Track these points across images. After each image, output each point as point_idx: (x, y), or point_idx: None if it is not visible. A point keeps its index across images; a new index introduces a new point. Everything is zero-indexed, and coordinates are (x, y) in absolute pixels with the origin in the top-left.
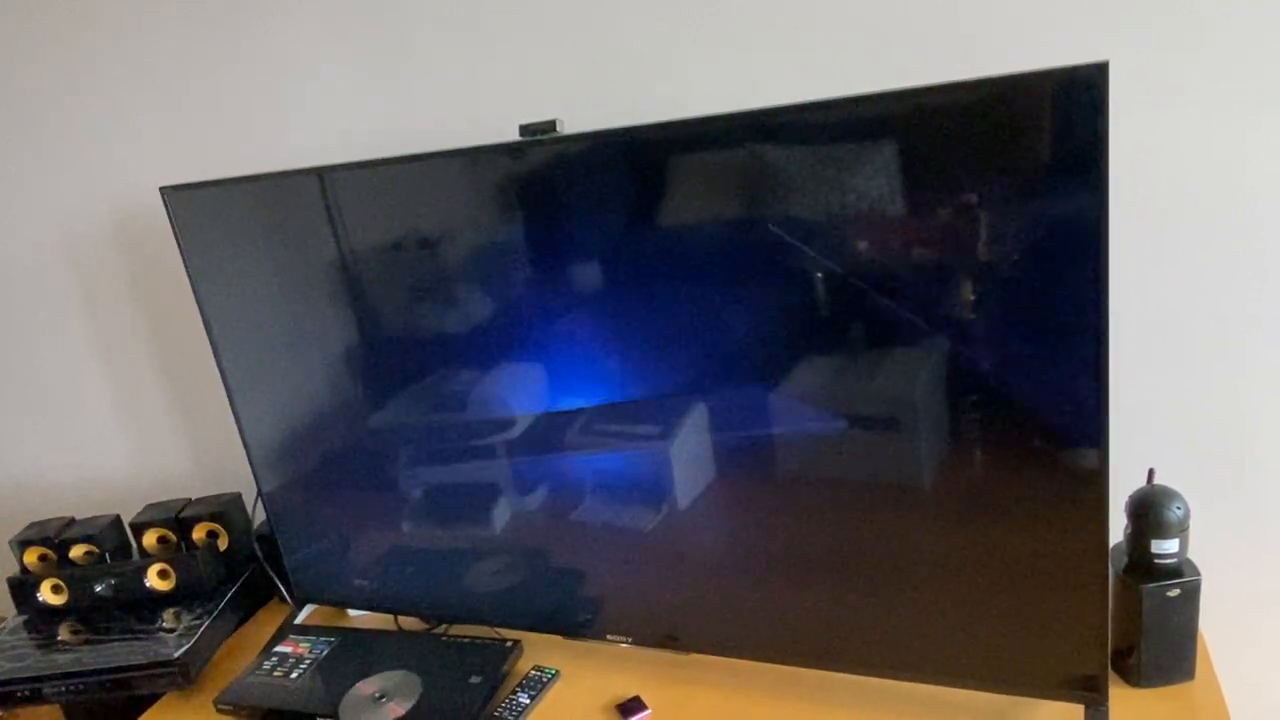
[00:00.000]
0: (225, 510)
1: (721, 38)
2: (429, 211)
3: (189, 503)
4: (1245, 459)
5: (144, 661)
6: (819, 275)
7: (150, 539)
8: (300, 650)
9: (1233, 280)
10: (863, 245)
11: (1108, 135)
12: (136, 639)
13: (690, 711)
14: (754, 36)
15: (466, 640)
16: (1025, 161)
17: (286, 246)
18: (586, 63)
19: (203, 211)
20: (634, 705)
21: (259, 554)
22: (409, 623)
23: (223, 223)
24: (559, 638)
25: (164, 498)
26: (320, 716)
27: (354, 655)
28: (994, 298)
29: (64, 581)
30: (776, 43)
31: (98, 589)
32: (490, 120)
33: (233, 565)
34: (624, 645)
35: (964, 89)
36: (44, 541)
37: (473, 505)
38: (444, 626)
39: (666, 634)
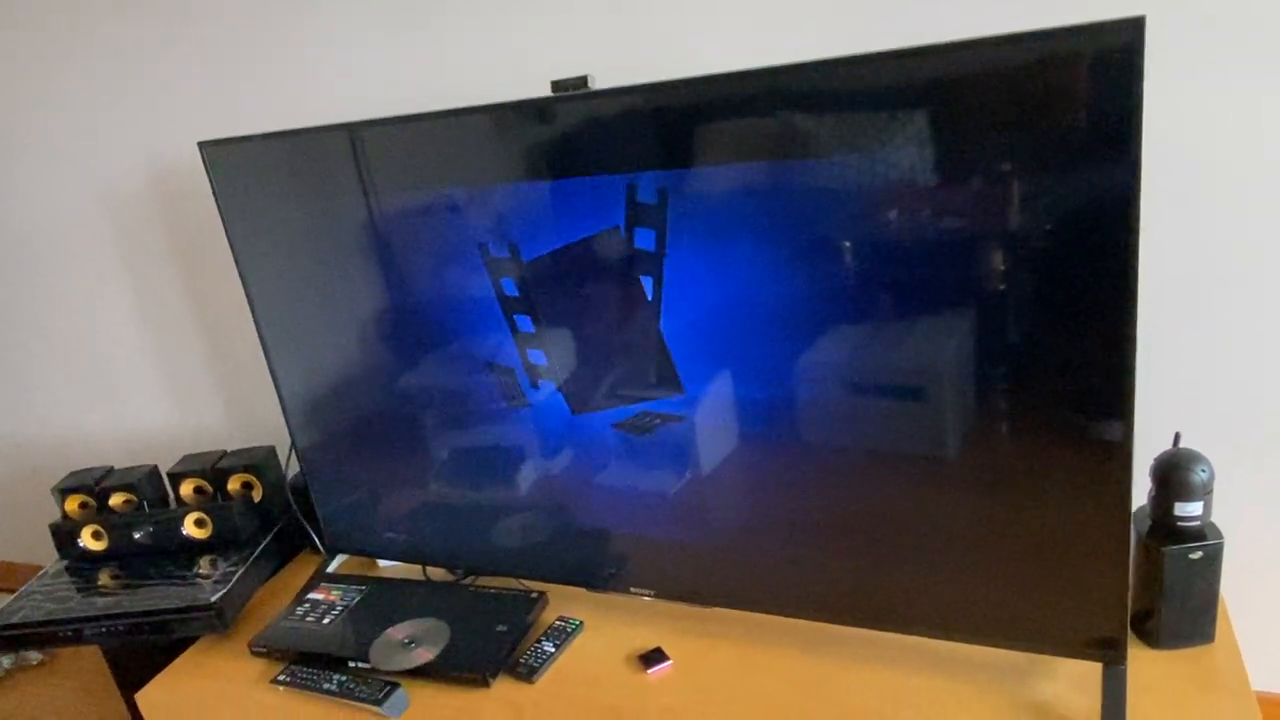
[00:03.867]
0: (259, 462)
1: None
2: (461, 167)
3: (224, 454)
4: (1271, 423)
5: (181, 605)
6: (845, 242)
7: (187, 489)
8: (332, 597)
9: (1263, 245)
10: (890, 213)
11: (1142, 95)
12: (174, 584)
13: (710, 663)
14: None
15: (493, 591)
16: (1053, 123)
17: (321, 202)
18: (616, 20)
19: (239, 166)
20: (655, 656)
21: (293, 505)
22: (437, 573)
23: (259, 177)
24: (583, 590)
25: (200, 449)
26: (352, 659)
27: (384, 603)
28: (1022, 263)
29: (104, 528)
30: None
31: (136, 536)
32: (521, 76)
33: (266, 516)
34: (647, 598)
35: (990, 45)
36: (84, 490)
37: (501, 463)
38: (471, 578)
39: (689, 588)
